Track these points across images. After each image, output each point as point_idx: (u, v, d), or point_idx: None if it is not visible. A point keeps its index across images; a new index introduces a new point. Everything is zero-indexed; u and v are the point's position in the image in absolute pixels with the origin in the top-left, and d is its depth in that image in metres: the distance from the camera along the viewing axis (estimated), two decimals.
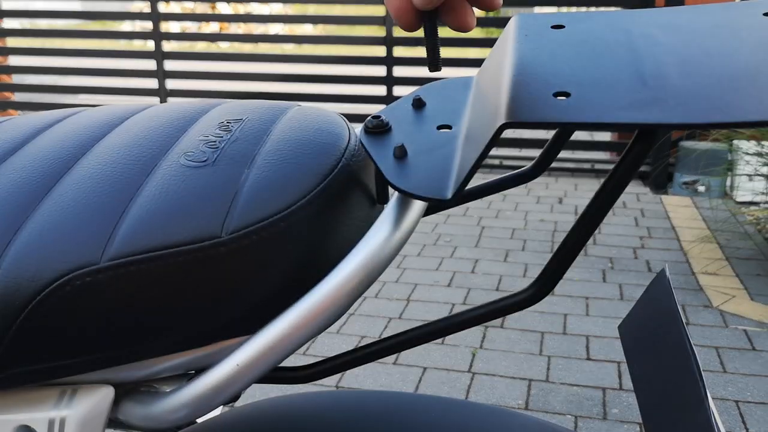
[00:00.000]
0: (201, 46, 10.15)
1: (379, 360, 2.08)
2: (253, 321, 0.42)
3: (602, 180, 0.39)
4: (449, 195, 0.39)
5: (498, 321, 2.29)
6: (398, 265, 2.78)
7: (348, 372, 2.01)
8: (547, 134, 4.42)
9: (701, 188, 3.66)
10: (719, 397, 1.88)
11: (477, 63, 3.87)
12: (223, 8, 9.24)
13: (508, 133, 4.24)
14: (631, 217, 3.34)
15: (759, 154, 3.02)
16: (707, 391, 0.34)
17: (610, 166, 4.06)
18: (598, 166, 4.11)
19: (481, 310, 0.43)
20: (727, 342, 2.16)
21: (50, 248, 0.39)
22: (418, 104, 0.49)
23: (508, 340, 2.18)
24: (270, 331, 0.41)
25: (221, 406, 0.43)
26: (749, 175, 3.26)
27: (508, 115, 0.36)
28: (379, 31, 7.19)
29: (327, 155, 0.44)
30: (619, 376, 1.98)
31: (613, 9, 3.05)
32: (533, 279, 0.42)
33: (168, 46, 9.39)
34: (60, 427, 0.41)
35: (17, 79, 5.22)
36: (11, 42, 5.85)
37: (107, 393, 0.42)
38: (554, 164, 4.13)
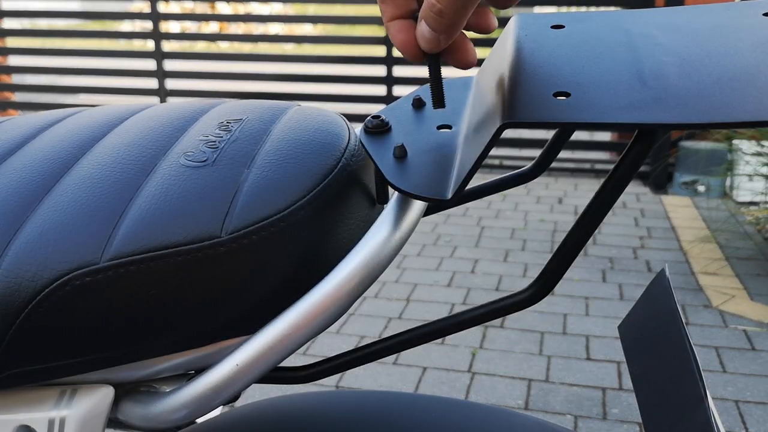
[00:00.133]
0: (201, 46, 10.15)
1: (379, 360, 2.08)
2: (253, 321, 0.42)
3: (602, 180, 0.39)
4: (449, 195, 0.39)
5: (498, 321, 2.29)
6: (398, 265, 2.78)
7: (348, 372, 2.01)
8: (547, 134, 4.42)
9: (701, 188, 3.66)
10: (719, 397, 1.88)
11: (477, 63, 3.86)
12: (223, 8, 9.24)
13: (508, 133, 4.24)
14: (631, 217, 3.34)
15: (759, 154, 3.02)
16: (707, 391, 0.34)
17: (610, 166, 4.06)
18: (598, 166, 4.11)
19: (481, 310, 0.43)
20: (727, 342, 2.16)
21: (50, 248, 0.39)
22: (418, 104, 0.49)
23: (508, 340, 2.18)
24: (270, 331, 0.41)
25: (221, 406, 0.43)
26: (749, 175, 3.26)
27: (508, 115, 0.36)
28: (379, 31, 7.19)
29: (327, 155, 0.44)
30: (619, 376, 1.98)
31: (613, 9, 3.05)
32: (533, 279, 0.42)
33: (168, 46, 9.39)
34: (60, 427, 0.41)
35: (17, 79, 5.22)
36: (11, 42, 5.85)
37: (107, 393, 0.42)
38: (554, 164, 4.13)
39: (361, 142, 0.46)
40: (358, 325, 2.29)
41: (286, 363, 2.13)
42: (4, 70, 4.64)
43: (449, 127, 0.45)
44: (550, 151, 0.55)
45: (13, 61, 5.04)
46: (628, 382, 1.95)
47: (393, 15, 0.41)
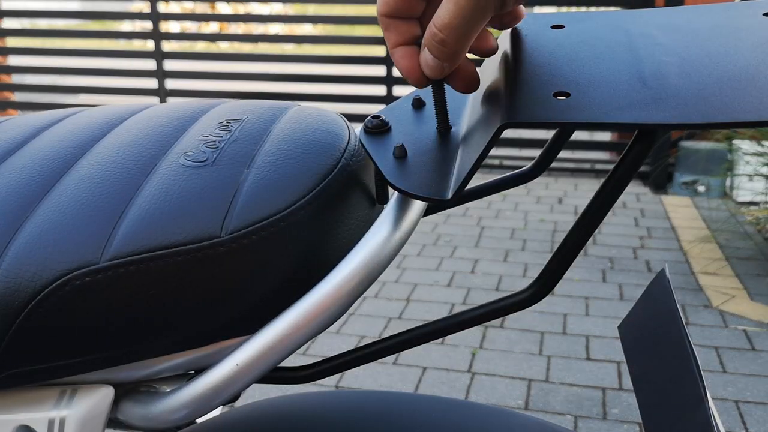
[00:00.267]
0: (201, 46, 10.15)
1: (379, 360, 2.08)
2: (253, 321, 0.42)
3: (602, 180, 0.39)
4: (449, 195, 0.39)
5: (498, 321, 2.29)
6: (398, 265, 2.78)
7: (348, 372, 2.01)
8: (547, 134, 4.42)
9: (701, 188, 3.66)
10: (719, 397, 1.88)
11: (477, 63, 3.86)
12: (223, 8, 9.24)
13: (508, 133, 4.24)
14: (631, 217, 3.34)
15: (759, 154, 3.02)
16: (707, 391, 0.34)
17: (610, 166, 4.06)
18: (598, 166, 4.11)
19: (481, 310, 0.43)
20: (727, 342, 2.16)
21: (50, 248, 0.39)
22: (418, 104, 0.49)
23: (508, 340, 2.18)
24: (270, 331, 0.41)
25: (221, 406, 0.43)
26: (749, 175, 3.26)
27: (508, 115, 0.36)
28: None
29: (327, 155, 0.44)
30: (619, 376, 1.98)
31: (613, 9, 3.05)
32: (533, 279, 0.42)
33: (168, 46, 9.39)
34: (60, 427, 0.41)
35: (17, 79, 5.22)
36: (11, 42, 5.85)
37: (107, 393, 0.42)
38: (554, 164, 4.13)
39: (361, 142, 0.46)
40: (358, 325, 2.29)
41: (286, 363, 2.13)
42: (4, 70, 4.64)
43: (449, 127, 0.45)
44: (550, 151, 0.55)
45: (13, 61, 5.04)
46: (628, 382, 1.95)
47: (397, 42, 0.41)
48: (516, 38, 0.44)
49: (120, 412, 0.44)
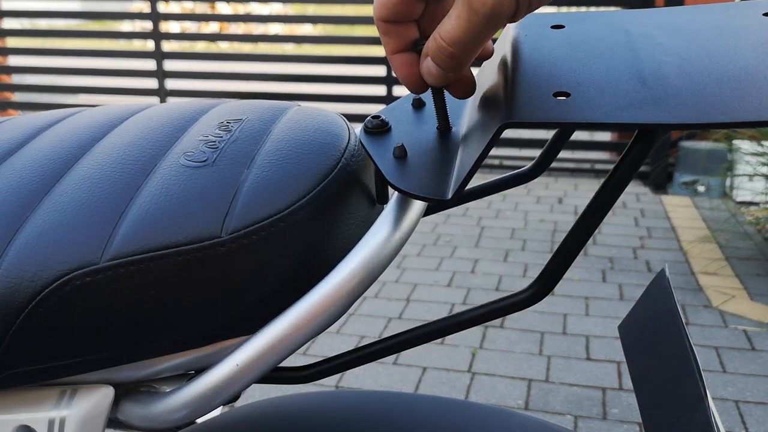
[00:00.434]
0: (201, 46, 10.15)
1: (379, 360, 2.08)
2: (253, 321, 0.42)
3: (602, 180, 0.39)
4: (449, 195, 0.39)
5: (498, 321, 2.29)
6: (398, 265, 2.78)
7: (348, 372, 2.01)
8: (547, 134, 4.42)
9: (701, 188, 3.66)
10: (719, 397, 1.88)
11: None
12: (223, 8, 9.24)
13: (508, 133, 4.24)
14: (631, 217, 3.34)
15: (759, 154, 3.02)
16: (707, 390, 0.34)
17: (610, 166, 4.06)
18: (598, 166, 4.11)
19: (481, 310, 0.43)
20: (727, 342, 2.16)
21: (50, 248, 0.39)
22: (418, 104, 0.49)
23: (508, 340, 2.18)
24: (270, 331, 0.41)
25: (221, 406, 0.43)
26: (749, 175, 3.26)
27: (508, 115, 0.36)
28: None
29: (327, 155, 0.44)
30: (619, 376, 1.98)
31: (613, 9, 3.05)
32: (533, 279, 0.42)
33: (168, 46, 9.39)
34: (60, 427, 0.41)
35: (17, 79, 5.22)
36: (11, 42, 5.85)
37: (107, 393, 0.42)
38: (554, 164, 4.13)
39: (361, 142, 0.46)
40: (358, 325, 2.29)
41: (286, 363, 2.13)
42: (4, 70, 4.64)
43: (449, 127, 0.45)
44: (550, 151, 0.55)
45: (13, 61, 5.04)
46: (628, 382, 1.95)
47: (396, 48, 0.41)
48: (516, 38, 0.44)
49: (120, 412, 0.44)
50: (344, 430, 0.53)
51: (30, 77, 5.39)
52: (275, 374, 0.47)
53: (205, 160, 0.44)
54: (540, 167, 0.57)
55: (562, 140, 0.55)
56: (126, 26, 11.70)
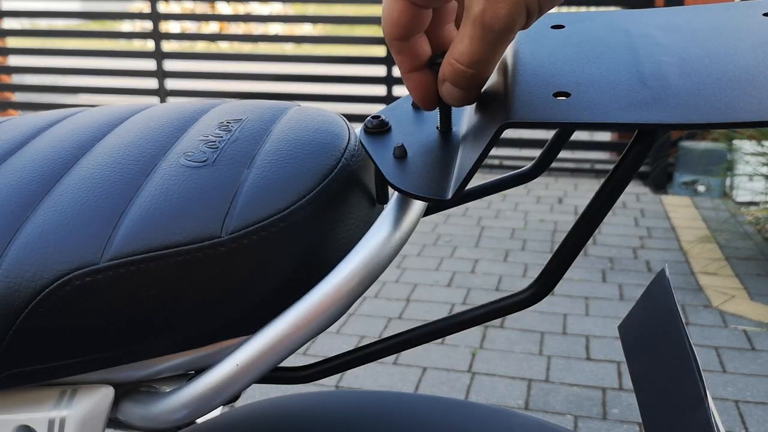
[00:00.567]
0: (201, 46, 10.15)
1: (379, 360, 2.08)
2: (253, 321, 0.42)
3: (602, 180, 0.39)
4: (449, 195, 0.39)
5: (498, 321, 2.29)
6: (398, 265, 2.78)
7: (348, 372, 2.01)
8: (547, 134, 4.42)
9: (701, 188, 3.66)
10: (719, 397, 1.88)
11: None
12: (223, 8, 9.24)
13: (508, 133, 4.24)
14: (631, 217, 3.34)
15: (759, 154, 3.02)
16: (707, 391, 0.34)
17: (610, 166, 4.06)
18: (598, 166, 4.11)
19: (481, 310, 0.43)
20: (727, 342, 2.16)
21: (50, 248, 0.39)
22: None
23: (508, 340, 2.18)
24: (270, 331, 0.41)
25: (221, 406, 0.43)
26: (749, 175, 3.26)
27: (508, 115, 0.36)
28: (378, 31, 7.19)
29: (327, 155, 0.44)
30: (619, 376, 1.98)
31: (613, 9, 3.05)
32: (533, 279, 0.42)
33: (168, 46, 9.39)
34: (60, 427, 0.41)
35: (17, 79, 5.22)
36: (11, 42, 5.85)
37: (107, 393, 0.42)
38: (554, 164, 4.13)
39: (361, 142, 0.46)
40: (358, 325, 2.29)
41: (286, 363, 2.13)
42: (4, 70, 4.64)
43: (450, 127, 0.45)
44: (550, 151, 0.55)
45: (13, 61, 5.04)
46: (628, 382, 1.95)
47: (411, 66, 0.41)
48: (516, 38, 0.44)
49: (120, 412, 0.44)
50: (344, 430, 0.53)
51: (30, 77, 5.39)
52: (275, 374, 0.47)
53: (205, 160, 0.44)
54: (540, 167, 0.57)
55: (562, 140, 0.55)
56: (126, 26, 11.70)
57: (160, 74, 4.33)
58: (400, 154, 0.43)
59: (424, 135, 0.45)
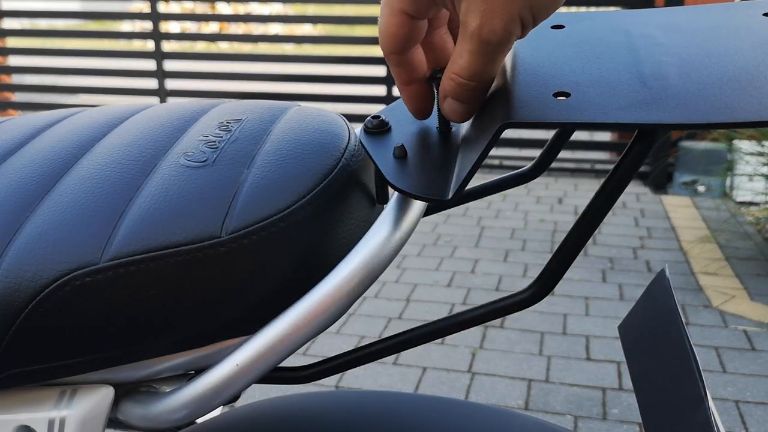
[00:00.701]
0: (201, 46, 10.15)
1: (379, 360, 2.08)
2: (253, 321, 0.42)
3: (602, 180, 0.39)
4: (449, 195, 0.39)
5: (498, 321, 2.29)
6: (398, 265, 2.78)
7: (348, 372, 2.01)
8: (547, 134, 4.42)
9: (701, 188, 3.66)
10: (719, 397, 1.88)
11: None
12: (223, 8, 9.24)
13: (508, 133, 4.24)
14: (631, 217, 3.34)
15: (759, 154, 3.02)
16: (707, 391, 0.34)
17: (610, 166, 4.06)
18: (598, 166, 4.11)
19: (481, 310, 0.43)
20: (727, 342, 2.16)
21: (50, 248, 0.39)
22: None
23: (508, 340, 2.18)
24: (270, 331, 0.41)
25: (221, 406, 0.43)
26: (749, 175, 3.26)
27: (508, 115, 0.36)
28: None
29: (327, 155, 0.44)
30: (619, 376, 1.98)
31: (613, 9, 3.05)
32: (533, 279, 0.42)
33: (168, 46, 9.39)
34: (60, 427, 0.41)
35: (17, 79, 5.22)
36: (11, 42, 5.85)
37: (107, 393, 0.42)
38: (554, 164, 4.13)
39: (361, 142, 0.46)
40: (358, 325, 2.29)
41: (286, 363, 2.13)
42: (4, 70, 4.64)
43: (449, 127, 0.45)
44: (550, 151, 0.55)
45: (13, 61, 5.04)
46: (628, 382, 1.95)
47: (408, 79, 0.42)
48: None
49: (120, 412, 0.44)
50: (344, 430, 0.53)
51: (30, 77, 5.39)
52: (275, 374, 0.47)
53: (205, 160, 0.44)
54: (540, 167, 0.57)
55: (562, 140, 0.55)
56: (126, 26, 11.70)
57: (160, 74, 4.33)
58: (400, 154, 0.43)
59: (424, 135, 0.45)
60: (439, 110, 0.44)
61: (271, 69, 4.63)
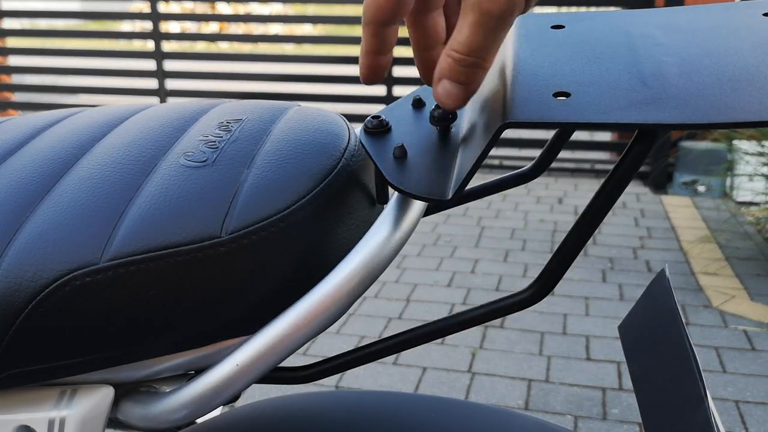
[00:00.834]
0: (201, 46, 10.14)
1: (379, 360, 2.08)
2: (253, 321, 0.42)
3: (602, 180, 0.39)
4: (449, 195, 0.39)
5: (498, 321, 2.29)
6: (398, 265, 2.78)
7: (348, 372, 2.01)
8: (547, 134, 4.42)
9: (701, 188, 3.66)
10: (719, 397, 1.88)
11: None
12: (223, 8, 9.24)
13: (508, 133, 4.24)
14: (631, 217, 3.34)
15: (759, 154, 3.02)
16: (707, 391, 0.34)
17: (610, 166, 4.06)
18: (598, 166, 4.11)
19: (481, 310, 0.43)
20: (727, 342, 2.16)
21: (50, 248, 0.39)
22: (418, 104, 0.49)
23: (508, 340, 2.18)
24: (270, 331, 0.41)
25: (221, 406, 0.43)
26: (749, 175, 3.26)
27: (508, 115, 0.36)
28: None
29: (327, 155, 0.44)
30: (619, 376, 1.98)
31: (613, 9, 3.05)
32: (533, 279, 0.42)
33: (168, 46, 9.39)
34: (60, 427, 0.41)
35: (17, 79, 5.22)
36: (11, 42, 5.85)
37: (107, 393, 0.42)
38: (554, 164, 4.13)
39: (361, 142, 0.46)
40: (358, 325, 2.29)
41: (286, 363, 2.13)
42: (4, 70, 4.64)
43: (450, 127, 0.45)
44: (550, 151, 0.55)
45: (13, 61, 5.04)
46: (628, 382, 1.95)
47: (375, 49, 0.42)
48: (516, 38, 0.44)
49: (120, 412, 0.44)
50: (344, 430, 0.53)
51: (30, 77, 5.39)
52: (275, 374, 0.47)
53: (205, 160, 0.44)
54: (540, 167, 0.57)
55: (562, 140, 0.55)
56: (126, 26, 11.70)
57: (160, 74, 4.33)
58: (400, 154, 0.43)
59: (424, 135, 0.45)
60: (438, 110, 0.44)
61: (271, 69, 4.63)
